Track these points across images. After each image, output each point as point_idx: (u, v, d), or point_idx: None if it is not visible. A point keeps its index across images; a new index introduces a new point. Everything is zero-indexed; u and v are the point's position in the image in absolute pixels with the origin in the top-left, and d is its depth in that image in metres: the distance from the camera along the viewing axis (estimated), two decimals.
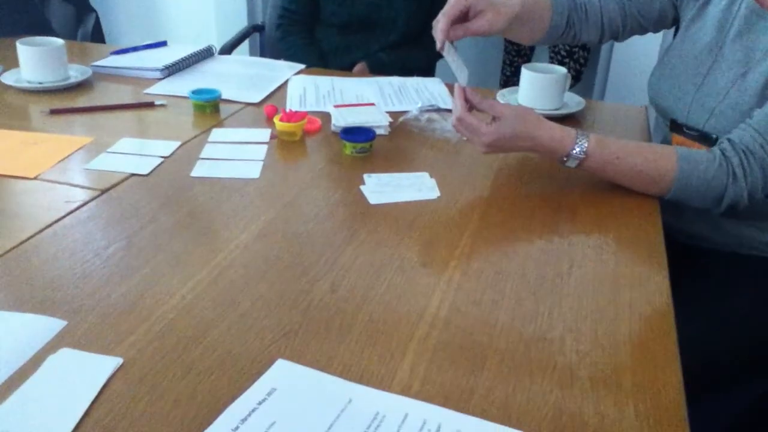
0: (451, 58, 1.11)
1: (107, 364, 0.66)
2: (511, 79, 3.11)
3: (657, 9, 1.28)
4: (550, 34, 1.31)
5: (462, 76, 1.08)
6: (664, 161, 1.03)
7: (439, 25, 1.10)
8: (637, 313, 0.79)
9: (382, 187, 1.06)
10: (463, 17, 1.11)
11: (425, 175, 1.11)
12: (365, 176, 1.09)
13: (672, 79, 1.23)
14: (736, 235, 1.18)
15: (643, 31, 1.34)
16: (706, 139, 1.13)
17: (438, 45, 1.11)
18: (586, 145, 1.04)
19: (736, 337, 1.10)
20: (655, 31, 1.36)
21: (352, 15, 1.94)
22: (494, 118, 1.06)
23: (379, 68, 1.88)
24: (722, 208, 1.04)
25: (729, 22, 1.15)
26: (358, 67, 1.90)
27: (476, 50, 3.21)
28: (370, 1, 1.91)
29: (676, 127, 1.21)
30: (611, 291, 0.83)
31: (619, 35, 1.34)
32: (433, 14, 1.95)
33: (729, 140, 1.03)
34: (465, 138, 1.11)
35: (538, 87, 1.37)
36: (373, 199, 1.03)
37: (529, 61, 2.78)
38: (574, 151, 1.04)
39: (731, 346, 1.10)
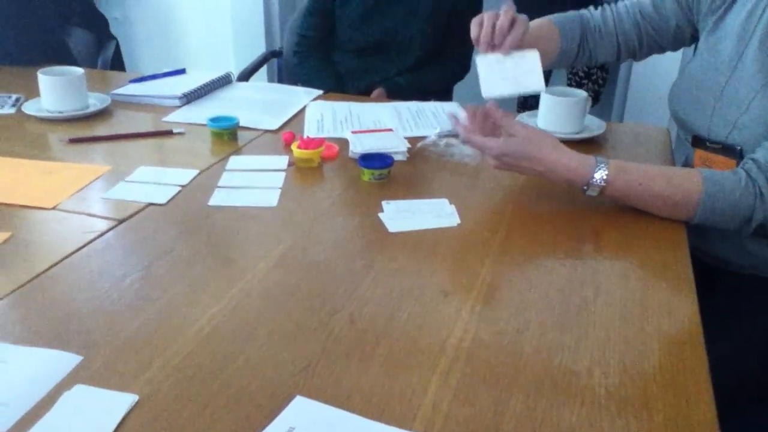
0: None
1: (123, 402, 0.65)
2: (528, 100, 3.09)
3: (673, 26, 1.27)
4: (562, 59, 1.31)
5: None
6: (689, 184, 1.01)
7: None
8: (666, 344, 0.77)
9: (401, 214, 1.04)
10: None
11: (444, 201, 1.09)
12: (383, 203, 1.08)
13: (692, 92, 1.21)
14: (761, 257, 1.15)
15: (660, 49, 1.33)
16: (729, 150, 1.11)
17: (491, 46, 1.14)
18: (606, 173, 1.02)
19: (762, 359, 1.07)
20: (674, 49, 1.35)
21: (369, 39, 1.95)
22: (509, 136, 1.05)
23: (396, 91, 1.88)
24: (751, 229, 1.01)
25: (750, 33, 1.13)
26: (375, 93, 1.89)
27: None
28: (386, 25, 1.91)
29: (698, 142, 1.19)
30: (639, 319, 0.81)
31: (636, 54, 1.34)
32: (448, 36, 1.96)
33: (753, 160, 1.01)
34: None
35: (558, 111, 1.35)
36: (392, 226, 1.01)
37: (547, 82, 2.76)
38: (594, 180, 1.02)
39: (757, 368, 1.07)
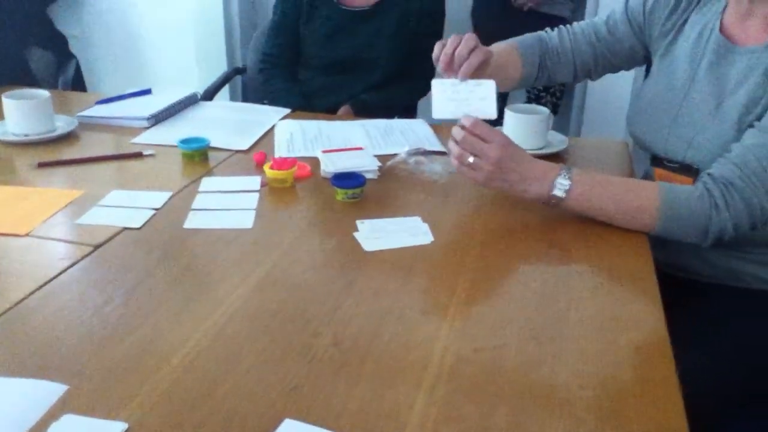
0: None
1: (112, 430, 0.65)
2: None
3: (626, 48, 1.33)
4: (523, 82, 1.38)
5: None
6: (647, 192, 1.06)
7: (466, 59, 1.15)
8: (637, 355, 0.80)
9: (375, 233, 1.07)
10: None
11: (418, 219, 1.12)
12: (358, 223, 1.10)
13: (648, 113, 1.26)
14: (723, 268, 1.20)
15: (615, 69, 1.39)
16: (687, 170, 1.16)
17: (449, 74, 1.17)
18: (570, 175, 1.06)
19: (732, 368, 1.11)
20: (628, 68, 1.41)
21: (335, 57, 1.97)
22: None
23: (362, 108, 1.90)
24: (709, 241, 1.06)
25: (699, 56, 1.19)
26: (342, 110, 1.91)
27: None
28: (352, 44, 1.94)
29: (656, 161, 1.24)
30: (611, 332, 0.84)
31: (592, 74, 1.39)
32: (412, 56, 1.99)
33: (709, 174, 1.06)
34: (465, 164, 1.09)
35: (522, 128, 1.39)
36: (368, 246, 1.03)
37: (506, 97, 2.83)
38: (560, 183, 1.06)
39: (728, 373, 1.11)
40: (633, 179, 1.12)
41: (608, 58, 1.36)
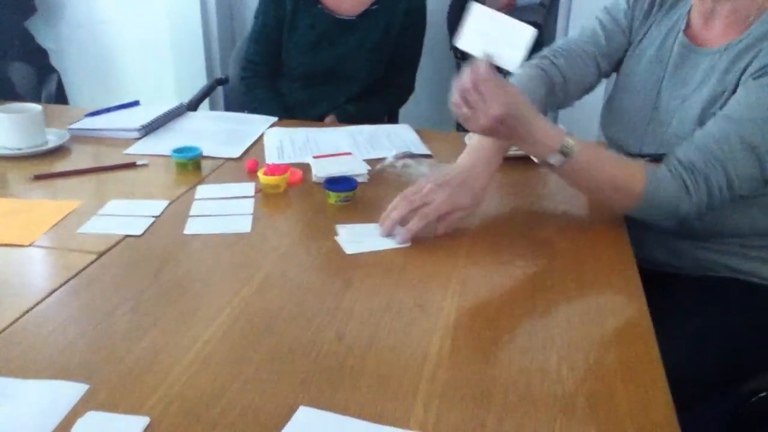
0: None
1: (136, 425, 0.69)
2: None
3: (622, 52, 1.36)
4: None
5: None
6: (635, 174, 1.09)
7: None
8: (622, 340, 0.86)
9: (355, 237, 1.10)
10: None
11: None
12: (337, 227, 1.13)
13: (622, 117, 1.32)
14: (695, 259, 1.26)
15: (609, 75, 1.42)
16: (658, 160, 1.22)
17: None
18: (572, 144, 1.06)
19: (702, 352, 1.17)
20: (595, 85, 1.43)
21: (317, 67, 1.99)
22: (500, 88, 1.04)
23: (346, 119, 1.94)
24: (674, 222, 1.12)
25: (666, 57, 1.26)
26: (328, 119, 1.95)
27: (429, 90, 3.31)
28: (335, 54, 1.97)
29: (631, 156, 1.30)
30: (596, 320, 0.90)
31: (595, 86, 1.41)
32: (392, 66, 2.02)
33: (676, 158, 1.11)
34: (465, 111, 1.05)
35: None
36: (349, 248, 1.07)
37: None
38: (562, 148, 1.06)
39: (704, 359, 1.17)
40: (624, 159, 1.15)
41: (609, 68, 1.38)
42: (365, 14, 1.97)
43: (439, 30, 3.02)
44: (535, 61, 1.37)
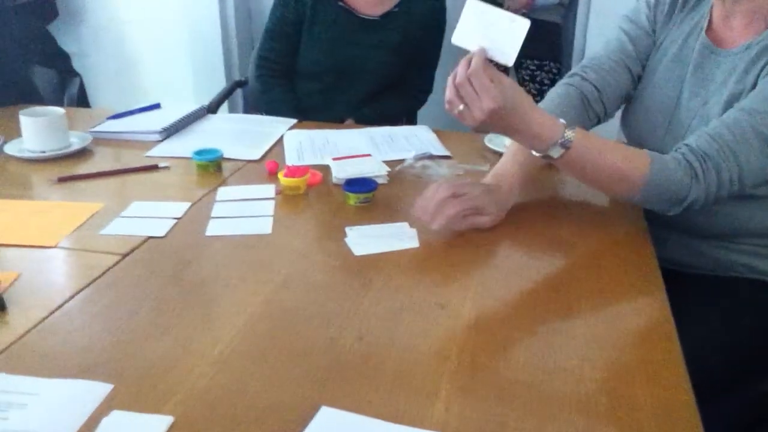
0: None
1: (160, 424, 0.70)
2: None
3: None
4: None
5: None
6: (640, 160, 1.08)
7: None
8: (644, 340, 0.85)
9: (364, 238, 1.10)
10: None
11: (405, 225, 1.15)
12: (347, 229, 1.13)
13: (644, 117, 1.31)
14: (715, 259, 1.25)
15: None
16: None
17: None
18: (572, 135, 1.04)
19: (726, 350, 1.16)
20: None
21: (335, 64, 1.97)
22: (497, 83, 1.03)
23: (363, 122, 1.92)
24: (681, 209, 1.10)
25: (687, 58, 1.25)
26: (348, 122, 1.95)
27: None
28: (354, 52, 1.96)
29: None
30: (618, 320, 0.89)
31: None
32: (411, 67, 2.01)
33: (687, 145, 1.10)
34: (459, 108, 1.04)
35: None
36: (358, 250, 1.07)
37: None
38: (561, 140, 1.04)
39: (724, 360, 1.16)
40: (625, 146, 1.13)
41: (641, 72, 1.35)
42: (387, 15, 1.96)
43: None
44: (564, 80, 1.36)
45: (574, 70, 1.37)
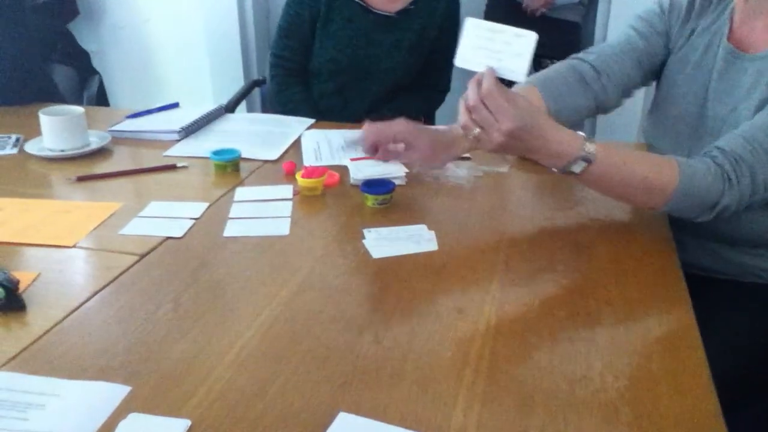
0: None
1: (177, 427, 0.70)
2: None
3: (661, 54, 1.31)
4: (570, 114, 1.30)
5: None
6: (668, 169, 1.04)
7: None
8: (667, 347, 0.84)
9: (382, 240, 1.10)
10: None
11: (424, 227, 1.14)
12: (364, 231, 1.13)
13: (668, 128, 1.28)
14: (736, 264, 1.23)
15: (655, 78, 1.36)
16: None
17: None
18: (593, 149, 1.01)
19: (750, 356, 1.14)
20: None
21: (351, 63, 1.94)
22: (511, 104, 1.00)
23: (379, 121, 1.89)
24: (713, 215, 1.06)
25: (710, 64, 1.22)
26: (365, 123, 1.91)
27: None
28: (371, 51, 1.93)
29: None
30: (641, 326, 0.88)
31: (634, 90, 1.36)
32: (427, 67, 1.99)
33: (718, 148, 1.06)
34: (475, 131, 1.02)
35: None
36: (376, 252, 1.06)
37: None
38: (582, 154, 1.01)
39: (749, 366, 1.14)
40: (651, 154, 1.10)
41: (650, 70, 1.32)
42: (404, 12, 1.94)
43: None
44: (564, 60, 1.34)
45: (602, 49, 1.33)
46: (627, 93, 1.35)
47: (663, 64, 1.33)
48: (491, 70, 1.01)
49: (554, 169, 1.05)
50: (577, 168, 1.02)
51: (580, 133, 1.04)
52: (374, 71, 1.97)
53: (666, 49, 1.31)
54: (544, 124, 1.02)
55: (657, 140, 1.32)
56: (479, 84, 1.00)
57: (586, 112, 1.31)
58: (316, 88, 2.02)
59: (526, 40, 1.01)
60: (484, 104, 0.99)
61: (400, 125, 1.23)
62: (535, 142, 1.01)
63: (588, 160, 1.02)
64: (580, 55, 1.34)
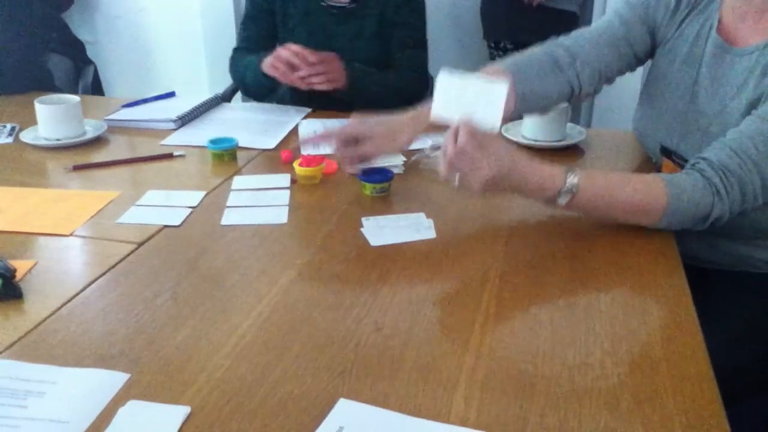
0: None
1: (177, 413, 0.69)
2: None
3: (642, 42, 1.30)
4: (534, 101, 1.28)
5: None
6: (654, 190, 1.04)
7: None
8: (667, 335, 0.84)
9: (380, 229, 1.09)
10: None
11: (422, 215, 1.14)
12: (363, 219, 1.12)
13: (656, 121, 1.28)
14: (732, 254, 1.23)
15: (634, 66, 1.34)
16: None
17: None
18: (576, 180, 1.02)
19: (749, 347, 1.14)
20: (644, 63, 1.38)
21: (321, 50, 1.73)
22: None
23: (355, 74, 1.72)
24: (705, 226, 1.06)
25: (698, 58, 1.21)
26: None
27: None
28: (333, 46, 1.75)
29: (666, 151, 1.26)
30: (640, 314, 0.88)
31: (614, 77, 1.34)
32: (395, 49, 1.89)
33: (705, 159, 1.06)
34: (456, 181, 1.03)
35: (542, 120, 1.43)
36: (374, 241, 1.06)
37: None
38: (566, 187, 1.02)
39: (746, 356, 1.14)
40: (637, 176, 1.10)
41: (636, 57, 1.31)
42: (357, 1, 1.83)
43: (472, 21, 3.00)
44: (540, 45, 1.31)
45: (577, 34, 1.31)
46: (606, 80, 1.32)
47: (648, 54, 1.32)
48: (465, 121, 1.00)
49: (543, 203, 1.06)
50: (563, 200, 1.03)
51: (561, 166, 1.04)
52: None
53: (650, 37, 1.29)
54: (523, 165, 1.03)
55: (647, 129, 1.32)
56: (455, 136, 1.00)
57: (558, 97, 1.30)
58: (289, 87, 1.86)
59: (498, 88, 1.04)
60: (462, 154, 0.99)
61: (352, 123, 1.26)
62: (517, 183, 1.03)
63: (572, 191, 1.02)
64: (559, 39, 1.32)
